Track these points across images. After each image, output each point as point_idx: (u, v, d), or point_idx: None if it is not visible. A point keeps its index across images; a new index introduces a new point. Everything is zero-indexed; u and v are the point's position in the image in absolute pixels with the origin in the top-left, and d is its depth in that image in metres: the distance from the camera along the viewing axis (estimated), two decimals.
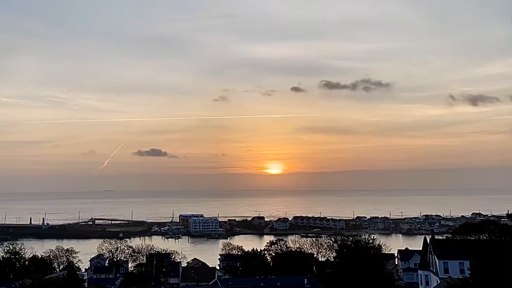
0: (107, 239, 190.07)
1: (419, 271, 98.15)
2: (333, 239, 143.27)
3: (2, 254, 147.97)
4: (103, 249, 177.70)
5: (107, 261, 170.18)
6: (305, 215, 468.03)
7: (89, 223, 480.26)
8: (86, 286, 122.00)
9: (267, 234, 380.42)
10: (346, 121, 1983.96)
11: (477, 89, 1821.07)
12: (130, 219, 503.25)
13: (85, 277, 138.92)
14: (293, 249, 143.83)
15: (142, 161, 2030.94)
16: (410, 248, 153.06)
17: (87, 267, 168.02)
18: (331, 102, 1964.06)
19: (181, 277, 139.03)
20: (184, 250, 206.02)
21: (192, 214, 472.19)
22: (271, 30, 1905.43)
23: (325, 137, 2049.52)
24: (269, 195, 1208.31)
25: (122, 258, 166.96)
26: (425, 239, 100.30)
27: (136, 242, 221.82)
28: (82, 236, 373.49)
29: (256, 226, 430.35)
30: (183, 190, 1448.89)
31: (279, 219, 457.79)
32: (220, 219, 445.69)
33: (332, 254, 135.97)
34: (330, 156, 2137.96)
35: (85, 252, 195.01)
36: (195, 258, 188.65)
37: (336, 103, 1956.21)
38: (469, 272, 66.36)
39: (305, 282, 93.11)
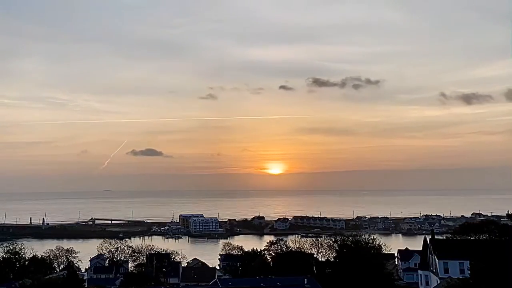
0: (107, 239, 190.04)
1: (419, 271, 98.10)
2: (333, 239, 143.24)
3: (2, 254, 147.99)
4: (103, 249, 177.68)
5: (107, 261, 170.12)
6: (305, 215, 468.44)
7: (89, 223, 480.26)
8: (86, 286, 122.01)
9: (267, 234, 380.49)
10: (344, 122, 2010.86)
11: (472, 90, 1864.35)
12: (130, 219, 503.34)
13: (85, 277, 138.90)
14: (293, 249, 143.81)
15: (139, 161, 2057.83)
16: (410, 248, 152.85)
17: (87, 267, 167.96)
18: (329, 103, 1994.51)
19: (181, 277, 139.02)
20: (184, 250, 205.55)
21: (192, 214, 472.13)
22: (268, 33, 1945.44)
23: (324, 137, 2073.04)
24: (268, 195, 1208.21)
25: (122, 258, 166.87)
26: (425, 239, 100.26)
27: (136, 242, 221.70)
28: (82, 236, 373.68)
29: (256, 226, 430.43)
30: (180, 190, 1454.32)
31: (279, 219, 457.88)
32: (220, 219, 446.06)
33: (332, 254, 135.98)
34: (329, 157, 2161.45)
35: (85, 252, 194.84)
36: (195, 258, 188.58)
37: (334, 105, 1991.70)
38: (469, 272, 66.34)
39: (305, 282, 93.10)
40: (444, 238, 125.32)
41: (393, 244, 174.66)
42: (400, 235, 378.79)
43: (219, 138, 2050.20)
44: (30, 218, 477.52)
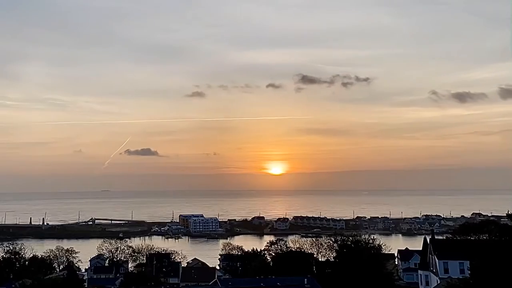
0: (107, 239, 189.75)
1: (419, 271, 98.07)
2: (333, 239, 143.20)
3: (2, 254, 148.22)
4: (103, 249, 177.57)
5: (107, 261, 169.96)
6: (305, 215, 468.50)
7: (89, 223, 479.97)
8: (86, 286, 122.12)
9: (267, 234, 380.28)
10: (341, 123, 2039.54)
11: (466, 90, 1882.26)
12: (130, 219, 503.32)
13: (85, 277, 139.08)
14: (293, 249, 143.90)
15: (136, 161, 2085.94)
16: (410, 248, 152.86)
17: (87, 267, 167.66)
18: (325, 104, 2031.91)
19: (181, 277, 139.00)
20: (184, 250, 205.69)
21: (192, 214, 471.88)
22: (265, 38, 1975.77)
23: (323, 138, 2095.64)
24: (264, 195, 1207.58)
25: (122, 258, 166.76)
26: (425, 239, 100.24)
27: (136, 242, 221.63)
28: (82, 236, 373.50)
29: (256, 226, 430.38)
30: (177, 190, 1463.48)
31: (279, 219, 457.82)
32: (220, 219, 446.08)
33: (332, 254, 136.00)
34: (328, 157, 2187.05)
35: (85, 252, 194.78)
36: (195, 258, 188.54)
37: (331, 106, 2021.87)
38: (469, 272, 66.30)
39: (305, 282, 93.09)
40: (444, 238, 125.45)
41: (393, 244, 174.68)
42: (400, 235, 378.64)
43: (215, 138, 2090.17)
44: (30, 218, 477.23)
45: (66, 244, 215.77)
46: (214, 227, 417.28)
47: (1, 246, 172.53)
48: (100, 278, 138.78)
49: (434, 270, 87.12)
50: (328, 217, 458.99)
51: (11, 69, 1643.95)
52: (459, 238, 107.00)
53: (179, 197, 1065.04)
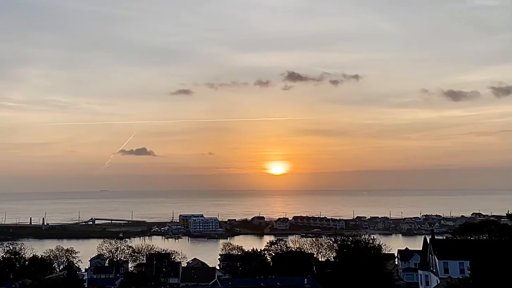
0: (107, 239, 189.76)
1: (419, 271, 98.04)
2: (333, 239, 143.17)
3: (2, 254, 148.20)
4: (103, 249, 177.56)
5: (107, 261, 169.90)
6: (305, 215, 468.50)
7: (89, 223, 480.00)
8: (86, 286, 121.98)
9: (267, 234, 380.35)
10: (338, 124, 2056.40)
11: (460, 91, 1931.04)
12: (130, 219, 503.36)
13: (85, 277, 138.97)
14: (293, 249, 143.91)
15: (134, 162, 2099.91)
16: (410, 248, 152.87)
17: (87, 267, 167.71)
18: (323, 105, 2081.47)
19: (181, 277, 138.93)
20: (184, 250, 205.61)
21: (192, 214, 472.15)
22: (262, 41, 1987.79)
23: (321, 139, 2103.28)
24: (264, 195, 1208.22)
25: (122, 258, 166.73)
26: (425, 239, 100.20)
27: (136, 242, 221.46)
28: (82, 236, 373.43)
29: (256, 226, 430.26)
30: (174, 190, 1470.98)
31: (279, 219, 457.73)
32: (220, 219, 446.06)
33: (332, 254, 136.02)
34: (328, 157, 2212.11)
35: (85, 252, 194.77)
36: (195, 258, 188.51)
37: (328, 107, 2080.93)
38: (469, 272, 66.29)
39: (305, 282, 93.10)
40: (444, 238, 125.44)
41: (393, 244, 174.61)
42: (400, 235, 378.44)
43: (212, 139, 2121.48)
44: (30, 218, 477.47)
45: (66, 244, 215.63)
46: (214, 227, 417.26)
47: (1, 246, 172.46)
48: (100, 278, 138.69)
49: (434, 270, 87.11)
50: (328, 217, 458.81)
51: (14, 71, 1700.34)
52: (459, 238, 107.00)
53: (176, 197, 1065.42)
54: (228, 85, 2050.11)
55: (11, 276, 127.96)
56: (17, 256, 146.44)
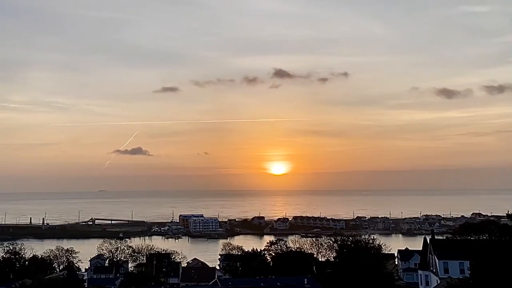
0: (107, 239, 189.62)
1: (419, 271, 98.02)
2: (333, 239, 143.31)
3: (2, 254, 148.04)
4: (103, 249, 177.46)
5: (107, 261, 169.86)
6: (305, 215, 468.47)
7: (89, 223, 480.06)
8: (86, 286, 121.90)
9: (267, 234, 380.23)
10: (337, 125, 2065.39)
11: (452, 90, 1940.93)
12: (130, 219, 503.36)
13: (85, 277, 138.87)
14: (293, 249, 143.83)
15: (132, 162, 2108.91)
16: (410, 248, 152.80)
17: (87, 267, 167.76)
18: (320, 107, 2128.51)
19: (181, 277, 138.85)
20: (184, 250, 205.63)
21: (192, 214, 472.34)
22: (258, 45, 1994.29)
23: (320, 140, 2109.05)
24: (263, 195, 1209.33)
25: (122, 258, 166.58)
26: (425, 239, 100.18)
27: (136, 242, 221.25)
28: (82, 236, 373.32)
29: (256, 226, 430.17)
30: (172, 190, 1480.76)
31: (279, 219, 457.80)
32: (220, 219, 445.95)
33: (332, 254, 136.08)
34: (327, 158, 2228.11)
35: (85, 252, 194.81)
36: (195, 258, 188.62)
37: (326, 108, 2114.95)
38: (469, 272, 66.29)
39: (305, 282, 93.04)
40: (444, 238, 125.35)
41: (393, 244, 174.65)
42: (400, 235, 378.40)
43: (210, 139, 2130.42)
44: (30, 218, 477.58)
45: (66, 244, 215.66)
46: (214, 227, 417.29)
47: (1, 246, 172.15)
48: (100, 278, 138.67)
49: (434, 270, 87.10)
50: (328, 217, 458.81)
51: (17, 74, 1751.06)
52: (459, 238, 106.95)
53: (173, 197, 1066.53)
54: (226, 86, 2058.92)
55: (11, 276, 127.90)
56: (17, 256, 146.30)
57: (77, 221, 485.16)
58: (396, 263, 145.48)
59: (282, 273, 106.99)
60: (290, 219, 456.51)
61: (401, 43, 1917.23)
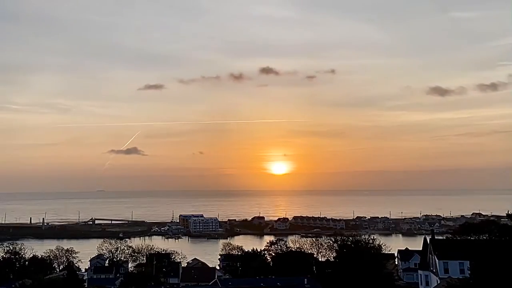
0: (107, 239, 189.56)
1: (419, 271, 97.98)
2: (333, 239, 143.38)
3: (2, 254, 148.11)
4: (103, 249, 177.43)
5: (107, 261, 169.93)
6: (305, 215, 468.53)
7: (89, 223, 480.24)
8: (86, 286, 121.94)
9: (267, 234, 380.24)
10: (335, 126, 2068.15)
11: (452, 95, 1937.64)
12: (130, 219, 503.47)
13: (85, 277, 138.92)
14: (293, 249, 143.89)
15: (131, 162, 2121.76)
16: (410, 248, 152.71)
17: (87, 267, 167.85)
18: (319, 107, 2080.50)
19: (181, 277, 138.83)
20: (184, 250, 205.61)
21: (192, 214, 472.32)
22: (256, 48, 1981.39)
23: (318, 140, 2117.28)
24: (259, 195, 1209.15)
25: (122, 258, 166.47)
26: (425, 239, 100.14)
27: (136, 242, 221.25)
28: (82, 236, 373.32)
29: (256, 226, 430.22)
30: (170, 190, 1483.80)
31: (279, 219, 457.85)
32: (220, 219, 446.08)
33: (332, 254, 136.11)
34: (327, 158, 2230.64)
35: (85, 252, 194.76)
36: (195, 258, 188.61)
37: (325, 109, 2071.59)
38: (469, 272, 66.29)
39: (305, 282, 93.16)
40: (444, 238, 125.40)
41: (393, 244, 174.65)
42: (400, 235, 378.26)
43: (208, 140, 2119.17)
44: (30, 218, 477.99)
45: (66, 244, 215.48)
46: (214, 227, 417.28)
47: (1, 246, 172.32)
48: (100, 278, 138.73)
49: (434, 270, 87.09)
50: (328, 217, 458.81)
51: (20, 76, 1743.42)
52: (459, 238, 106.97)
53: (171, 197, 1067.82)
54: (224, 87, 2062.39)
55: (11, 276, 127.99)
56: (17, 256, 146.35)
57: (77, 221, 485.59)
58: (396, 263, 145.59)
59: (282, 273, 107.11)
60: (290, 219, 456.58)
61: (397, 46, 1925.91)
